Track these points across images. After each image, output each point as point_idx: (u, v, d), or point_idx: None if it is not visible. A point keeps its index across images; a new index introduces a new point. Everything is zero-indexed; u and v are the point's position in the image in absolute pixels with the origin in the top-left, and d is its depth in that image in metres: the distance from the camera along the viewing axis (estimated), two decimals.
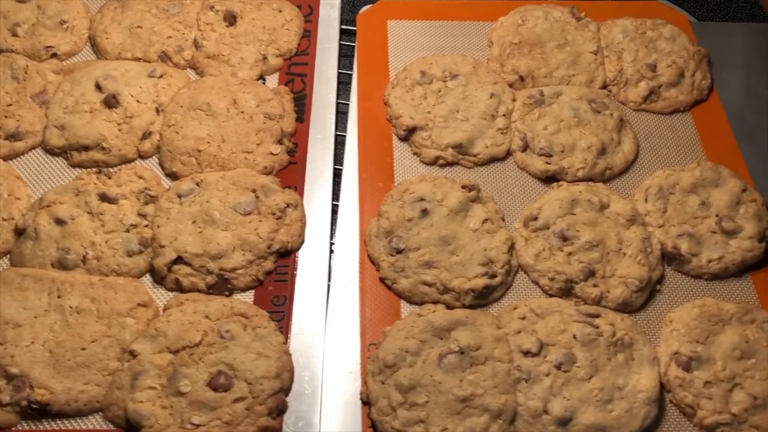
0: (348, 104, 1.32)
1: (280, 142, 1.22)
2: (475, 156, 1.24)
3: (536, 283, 1.11)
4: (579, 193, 1.16)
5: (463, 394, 0.96)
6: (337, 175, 1.22)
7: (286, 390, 0.98)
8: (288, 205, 1.14)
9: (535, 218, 1.14)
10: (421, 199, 1.14)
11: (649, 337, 1.06)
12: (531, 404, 0.96)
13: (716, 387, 0.98)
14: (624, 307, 1.08)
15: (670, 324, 1.05)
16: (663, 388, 1.01)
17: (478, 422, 0.94)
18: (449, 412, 0.95)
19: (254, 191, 1.14)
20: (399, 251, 1.10)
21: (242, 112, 1.24)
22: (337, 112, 1.31)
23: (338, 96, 1.33)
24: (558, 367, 0.99)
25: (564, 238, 1.11)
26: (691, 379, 0.99)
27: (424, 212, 1.13)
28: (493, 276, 1.09)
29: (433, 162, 1.23)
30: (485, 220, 1.13)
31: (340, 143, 1.27)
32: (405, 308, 1.08)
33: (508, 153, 1.25)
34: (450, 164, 1.24)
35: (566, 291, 1.08)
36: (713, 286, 1.12)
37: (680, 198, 1.17)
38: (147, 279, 1.09)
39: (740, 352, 1.01)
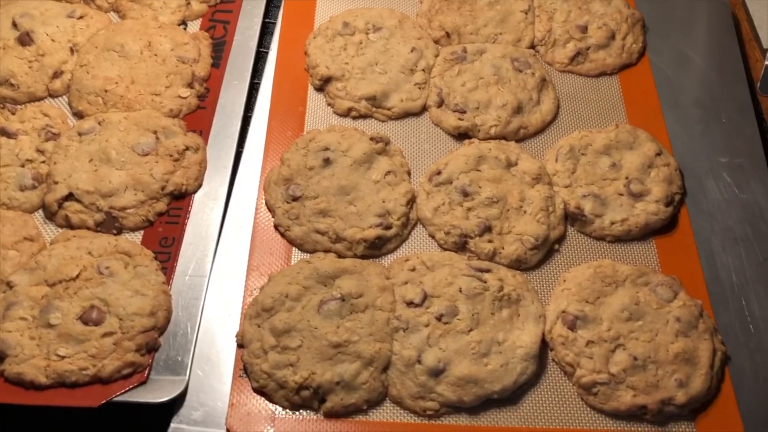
0: (269, 52, 1.30)
1: (190, 85, 1.21)
2: (389, 109, 1.21)
3: (432, 236, 1.09)
4: (488, 150, 1.14)
5: (337, 340, 0.94)
6: (249, 123, 1.20)
7: (160, 329, 0.96)
8: (188, 148, 1.12)
9: (439, 173, 1.12)
10: (326, 149, 1.12)
11: (542, 296, 1.04)
12: (405, 353, 0.95)
13: (598, 347, 0.96)
14: (518, 264, 1.06)
15: (563, 283, 1.03)
16: (546, 346, 0.99)
17: (348, 368, 0.93)
18: (321, 357, 0.94)
19: (155, 133, 1.13)
20: (295, 198, 1.08)
21: (155, 55, 1.22)
22: (259, 61, 1.29)
23: (261, 45, 1.31)
24: (438, 319, 0.97)
25: (465, 194, 1.09)
26: (575, 338, 0.97)
27: (327, 161, 1.11)
28: (388, 227, 1.07)
29: (346, 113, 1.21)
30: (388, 173, 1.11)
31: (256, 91, 1.25)
32: (297, 256, 1.06)
33: (424, 108, 1.23)
34: (363, 117, 1.22)
35: (461, 245, 1.06)
36: (615, 249, 1.09)
37: (591, 159, 1.15)
38: (40, 215, 1.08)
39: (628, 313, 0.98)
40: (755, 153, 1.19)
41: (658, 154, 1.15)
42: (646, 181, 1.12)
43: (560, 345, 0.98)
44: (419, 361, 0.94)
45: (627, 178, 1.12)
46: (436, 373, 0.94)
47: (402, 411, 0.94)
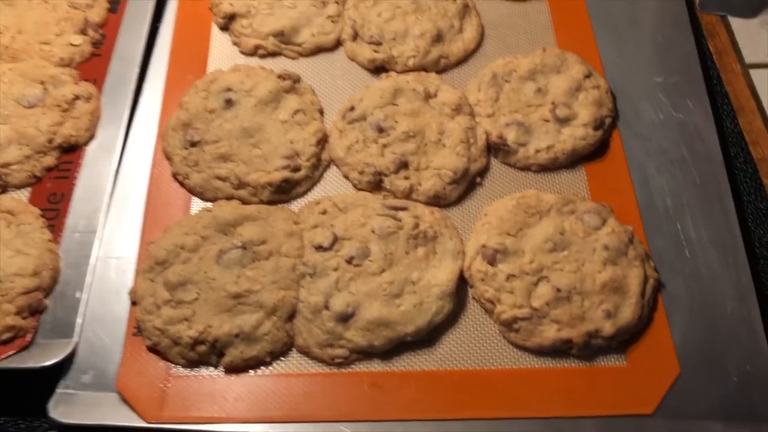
0: None
1: (83, 32, 1.12)
2: (299, 45, 1.13)
3: (347, 177, 1.01)
4: (406, 82, 1.06)
5: (236, 291, 0.87)
6: (148, 69, 1.11)
7: (45, 289, 0.89)
8: (78, 98, 1.04)
9: (352, 109, 1.04)
10: (228, 89, 1.04)
11: (463, 232, 0.97)
12: (312, 300, 0.88)
13: (520, 281, 0.89)
14: (436, 200, 0.98)
15: (485, 217, 0.96)
16: (466, 283, 0.92)
17: (248, 319, 0.86)
18: (219, 309, 0.87)
19: (43, 83, 1.04)
20: (194, 144, 1.00)
21: (45, 2, 1.13)
22: (161, 3, 1.19)
23: None
24: (349, 262, 0.90)
25: (380, 130, 1.01)
26: (494, 272, 0.90)
27: (229, 103, 1.03)
28: (297, 169, 0.99)
29: (253, 52, 1.13)
30: (297, 112, 1.03)
31: (158, 36, 1.16)
32: (197, 206, 0.98)
33: (338, 43, 1.14)
34: (272, 55, 1.13)
35: (376, 184, 0.99)
36: (542, 179, 1.02)
37: (516, 86, 1.07)
38: None
39: (553, 244, 0.91)
40: (692, 71, 1.12)
41: (588, 77, 1.07)
42: (574, 105, 1.05)
43: (479, 281, 0.91)
44: (327, 307, 0.87)
45: (553, 103, 1.05)
46: (345, 318, 0.87)
47: (309, 361, 0.87)
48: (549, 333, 0.87)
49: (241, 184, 0.98)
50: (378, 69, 1.11)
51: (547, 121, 1.03)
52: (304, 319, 0.88)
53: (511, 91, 1.06)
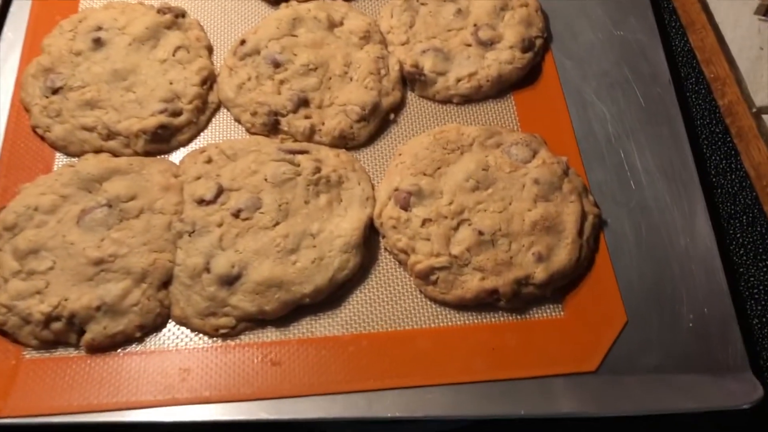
0: None
1: None
2: None
3: (238, 120, 0.87)
4: (307, 11, 0.92)
5: (98, 256, 0.73)
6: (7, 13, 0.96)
7: None
8: None
9: (244, 42, 0.89)
10: (99, 28, 0.89)
11: (375, 176, 0.83)
12: (190, 262, 0.74)
13: (437, 225, 0.76)
14: (343, 142, 0.85)
15: (398, 157, 0.83)
16: (377, 234, 0.79)
17: (113, 288, 0.72)
18: (78, 278, 0.72)
19: None
20: (55, 91, 0.85)
21: None
22: None
23: None
24: (236, 215, 0.76)
25: (276, 64, 0.87)
26: (408, 218, 0.77)
27: (98, 42, 0.88)
28: (177, 114, 0.85)
29: None
30: (179, 49, 0.89)
31: None
32: (61, 163, 0.83)
33: None
34: None
35: (271, 126, 0.85)
36: (466, 111, 0.89)
37: (433, 9, 0.93)
38: None
39: (475, 182, 0.78)
40: None
41: None
42: (499, 27, 0.91)
43: (391, 229, 0.77)
44: (207, 269, 0.74)
45: (475, 25, 0.91)
46: (229, 280, 0.73)
47: (189, 333, 0.73)
48: (471, 283, 0.74)
49: (110, 134, 0.83)
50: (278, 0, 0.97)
51: (468, 45, 0.90)
52: (182, 285, 0.74)
53: (428, 15, 0.92)
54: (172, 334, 0.73)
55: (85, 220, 0.76)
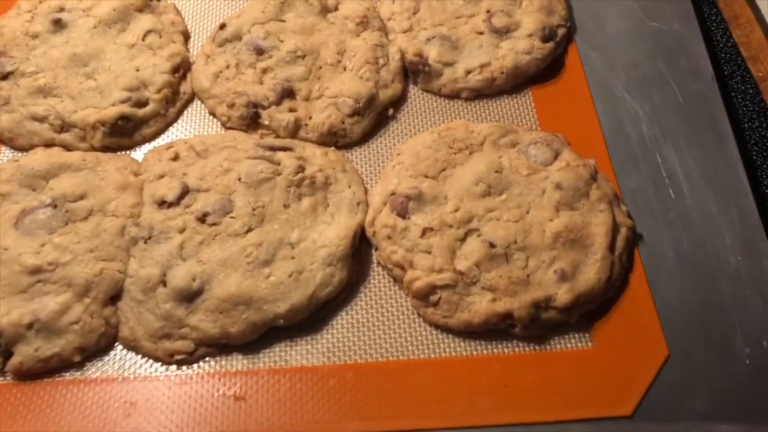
0: None
1: None
2: None
3: (213, 113, 0.76)
4: None
5: (36, 264, 0.62)
6: None
7: None
8: None
9: (223, 27, 0.78)
10: (60, 9, 0.79)
11: (370, 179, 0.71)
12: (144, 273, 0.62)
13: (440, 236, 0.64)
14: (332, 139, 0.74)
15: (397, 157, 0.71)
16: (368, 244, 0.66)
17: (50, 302, 0.60)
18: (9, 290, 0.61)
19: None
20: (5, 76, 0.75)
21: None
22: None
23: None
24: (201, 220, 0.64)
25: (259, 51, 0.76)
26: (406, 227, 0.65)
27: (58, 24, 0.78)
28: (142, 104, 0.74)
29: None
30: (149, 33, 0.79)
31: None
32: (6, 158, 0.72)
33: None
34: None
35: (251, 120, 0.74)
36: (476, 108, 0.77)
37: None
38: None
39: (486, 185, 0.66)
40: None
41: None
42: (516, 13, 0.80)
43: (386, 239, 0.65)
44: (164, 282, 0.62)
45: (488, 11, 0.80)
46: (189, 296, 0.61)
47: (139, 359, 0.61)
48: (480, 305, 0.61)
49: (64, 126, 0.72)
50: None
51: (480, 33, 0.79)
52: (133, 300, 0.62)
53: None
54: (119, 359, 0.61)
55: (25, 221, 0.64)
